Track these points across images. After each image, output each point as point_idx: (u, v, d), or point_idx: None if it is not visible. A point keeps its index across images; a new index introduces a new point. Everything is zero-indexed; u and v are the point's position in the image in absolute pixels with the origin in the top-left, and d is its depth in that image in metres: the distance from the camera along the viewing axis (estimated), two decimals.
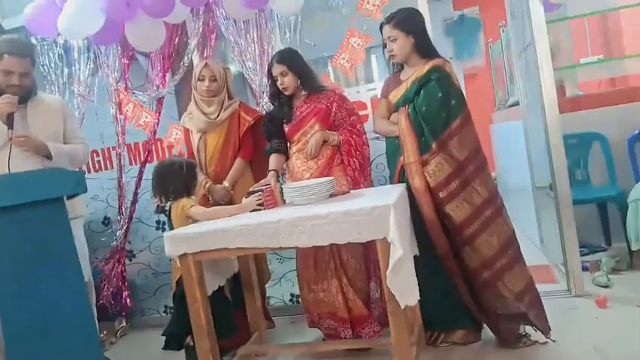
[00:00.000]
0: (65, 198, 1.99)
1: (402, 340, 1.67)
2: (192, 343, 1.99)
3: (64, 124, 2.33)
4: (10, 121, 2.04)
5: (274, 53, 2.37)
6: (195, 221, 2.02)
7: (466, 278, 2.04)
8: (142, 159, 3.04)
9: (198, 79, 2.38)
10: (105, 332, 2.90)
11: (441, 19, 5.66)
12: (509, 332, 2.04)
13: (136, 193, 3.03)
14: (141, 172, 3.02)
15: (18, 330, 1.84)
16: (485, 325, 2.12)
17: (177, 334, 2.06)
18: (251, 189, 2.06)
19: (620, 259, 2.75)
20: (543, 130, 2.57)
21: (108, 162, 3.15)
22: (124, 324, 3.06)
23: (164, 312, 3.08)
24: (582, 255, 2.68)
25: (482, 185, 2.01)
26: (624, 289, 2.48)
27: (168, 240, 1.85)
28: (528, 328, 2.07)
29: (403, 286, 1.59)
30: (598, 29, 5.29)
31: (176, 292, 2.07)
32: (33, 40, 2.90)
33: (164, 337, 2.10)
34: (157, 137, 2.97)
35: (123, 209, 3.04)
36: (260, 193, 1.99)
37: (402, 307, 1.62)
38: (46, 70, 3.00)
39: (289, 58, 2.26)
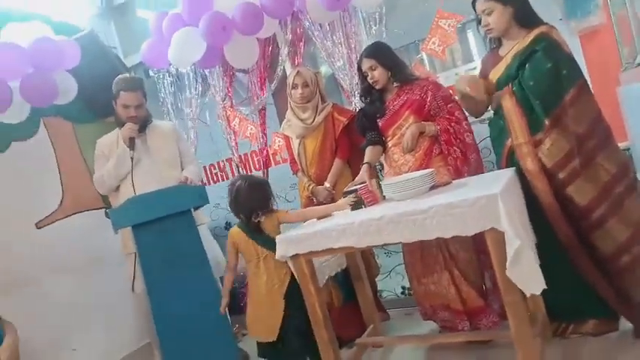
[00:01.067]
0: (192, 209, 2.29)
1: (523, 331, 1.57)
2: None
3: (179, 146, 2.65)
4: (132, 144, 2.43)
5: (363, 49, 2.36)
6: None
7: (600, 264, 1.85)
8: (253, 167, 3.29)
9: (292, 87, 2.49)
10: (237, 325, 3.14)
11: None
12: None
13: None
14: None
15: (167, 323, 2.21)
16: (622, 315, 1.89)
17: None
18: (346, 189, 2.09)
19: None
20: None
21: (223, 173, 3.47)
22: None
23: None
24: None
25: (608, 160, 1.82)
26: None
27: (280, 243, 1.97)
28: None
29: (526, 275, 1.50)
30: None
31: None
32: (150, 73, 3.31)
33: None
34: (265, 145, 3.17)
35: None
36: (355, 192, 2.01)
37: (528, 296, 1.53)
38: (162, 97, 3.38)
39: (377, 51, 2.24)
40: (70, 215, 2.98)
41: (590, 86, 1.96)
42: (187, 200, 2.29)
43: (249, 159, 3.33)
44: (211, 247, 2.65)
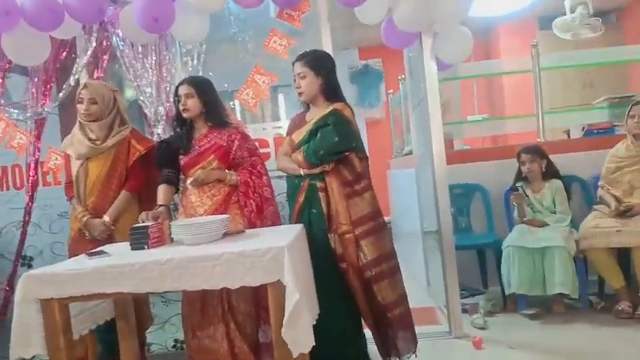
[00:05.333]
0: None
1: None
2: None
3: None
4: None
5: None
6: None
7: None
8: (12, 184, 2.69)
9: (78, 101, 2.21)
10: None
11: (347, 66, 5.96)
12: (385, 340, 2.10)
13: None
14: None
15: None
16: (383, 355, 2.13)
17: None
18: (136, 224, 1.87)
19: (495, 302, 2.96)
20: (432, 179, 2.75)
21: None
22: None
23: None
24: (463, 297, 2.85)
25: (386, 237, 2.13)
26: (498, 330, 2.67)
27: (27, 280, 1.59)
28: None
29: (298, 333, 1.53)
30: (484, 91, 6.01)
31: None
32: None
33: None
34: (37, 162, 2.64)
35: None
36: (146, 229, 1.81)
37: (295, 356, 1.55)
38: None
39: (199, 82, 2.20)
40: None
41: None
42: None
43: (10, 173, 2.71)
44: None
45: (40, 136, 2.65)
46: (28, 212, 2.67)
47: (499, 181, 3.32)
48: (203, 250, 1.64)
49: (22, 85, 2.71)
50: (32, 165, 2.65)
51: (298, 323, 1.52)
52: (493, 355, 2.38)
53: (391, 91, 5.75)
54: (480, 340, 2.46)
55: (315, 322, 1.68)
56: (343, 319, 2.06)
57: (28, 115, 2.61)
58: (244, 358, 2.07)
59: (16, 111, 2.65)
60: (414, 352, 2.13)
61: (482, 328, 2.69)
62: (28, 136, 2.59)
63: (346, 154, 2.05)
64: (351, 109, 2.15)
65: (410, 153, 4.09)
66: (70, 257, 2.12)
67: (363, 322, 2.15)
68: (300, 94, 2.15)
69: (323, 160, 2.04)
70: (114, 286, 1.57)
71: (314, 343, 1.58)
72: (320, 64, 2.12)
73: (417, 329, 2.59)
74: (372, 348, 2.17)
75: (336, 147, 2.03)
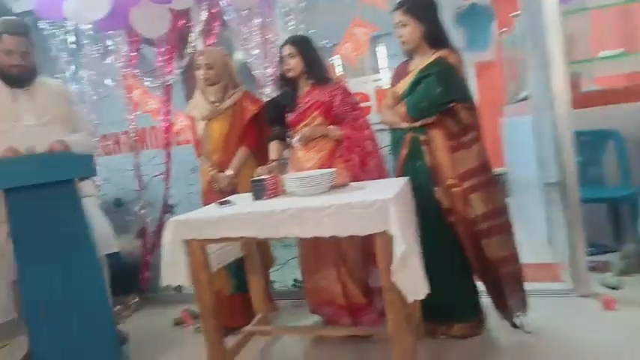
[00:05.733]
0: (77, 180, 2.07)
1: (399, 330, 1.67)
2: None
3: (69, 108, 2.38)
4: None
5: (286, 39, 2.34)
6: None
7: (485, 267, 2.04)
8: (151, 144, 3.10)
9: (196, 68, 2.39)
10: (119, 306, 3.00)
11: (453, 7, 5.53)
12: (496, 294, 2.06)
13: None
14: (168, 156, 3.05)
15: (36, 299, 1.98)
16: (500, 312, 2.10)
17: None
18: (254, 177, 2.06)
19: (630, 260, 2.67)
20: (553, 125, 2.52)
21: (117, 146, 3.20)
22: (137, 299, 3.15)
23: (174, 290, 3.13)
24: (591, 255, 2.61)
25: (498, 190, 2.06)
26: (633, 292, 2.41)
27: (171, 225, 1.87)
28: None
29: (409, 280, 1.58)
30: (620, 21, 5.15)
31: None
32: (41, 25, 2.94)
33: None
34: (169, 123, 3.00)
35: (140, 192, 3.11)
36: (263, 181, 1.99)
37: (410, 301, 1.61)
38: (54, 55, 3.04)
39: (301, 41, 2.26)
40: None
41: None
42: (70, 169, 2.05)
43: (148, 135, 3.12)
44: (100, 223, 2.41)
45: (169, 100, 2.97)
46: (167, 168, 3.06)
47: (638, 126, 2.90)
48: (313, 201, 1.75)
49: (151, 55, 3.05)
50: (166, 126, 3.01)
51: (407, 268, 1.57)
52: (627, 318, 2.16)
53: (504, 29, 5.24)
54: (612, 299, 2.25)
55: None
56: (452, 271, 2.06)
57: (158, 82, 2.93)
58: (357, 300, 2.21)
59: (149, 79, 3.00)
60: (524, 312, 2.06)
61: (615, 288, 2.45)
62: (159, 102, 2.93)
63: (451, 105, 1.97)
64: (458, 55, 2.03)
65: (526, 98, 3.76)
66: (203, 206, 2.42)
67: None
68: (402, 43, 2.08)
69: (425, 113, 1.99)
70: (239, 231, 1.76)
71: (428, 291, 1.62)
72: (421, 9, 2.02)
73: (537, 285, 2.52)
74: (485, 300, 2.15)
75: (439, 99, 1.95)
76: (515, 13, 4.13)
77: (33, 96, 2.25)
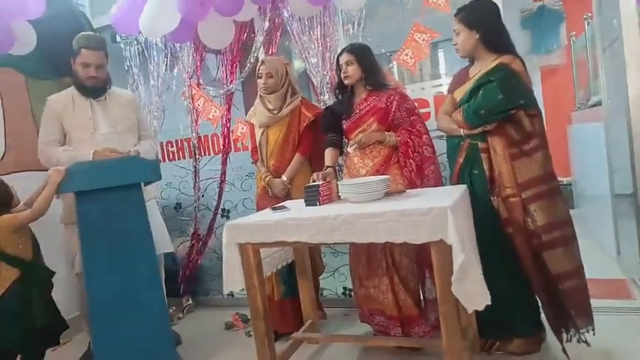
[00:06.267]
0: (143, 184, 2.21)
1: (453, 344, 1.63)
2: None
3: (138, 116, 2.55)
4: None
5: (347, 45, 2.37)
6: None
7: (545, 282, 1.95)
8: (212, 150, 3.24)
9: (257, 77, 2.47)
10: (173, 308, 3.13)
11: (518, 9, 5.33)
12: (557, 312, 1.94)
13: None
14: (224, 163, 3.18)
15: (100, 296, 2.11)
16: (555, 332, 1.99)
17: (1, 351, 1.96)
18: (309, 184, 2.10)
19: None
20: (627, 133, 2.36)
21: (180, 152, 3.37)
22: (190, 302, 3.28)
23: (228, 295, 3.23)
24: None
25: (563, 200, 1.97)
26: None
27: (229, 229, 1.94)
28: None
29: (469, 290, 1.55)
30: None
31: None
32: (117, 38, 3.18)
33: None
34: (229, 130, 3.12)
35: (197, 196, 3.26)
36: (317, 187, 2.02)
37: (470, 312, 1.58)
38: (127, 66, 3.26)
39: (359, 48, 2.28)
40: (11, 173, 2.79)
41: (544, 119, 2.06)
42: (138, 173, 2.19)
43: (209, 141, 3.27)
44: (158, 224, 2.55)
45: (230, 109, 3.09)
46: (223, 173, 3.18)
47: None
48: (367, 207, 1.75)
49: (214, 65, 3.20)
50: (225, 133, 3.13)
51: (469, 280, 1.53)
52: None
53: (574, 32, 4.96)
54: None
55: None
56: (511, 284, 1.97)
57: (221, 92, 3.07)
58: (409, 311, 2.17)
59: (212, 88, 3.15)
60: (591, 329, 1.93)
61: None
62: (221, 110, 3.06)
63: (512, 112, 1.90)
64: (521, 61, 1.96)
65: (598, 104, 3.53)
66: (257, 211, 2.49)
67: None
68: (456, 50, 2.07)
69: (484, 120, 1.93)
70: (292, 236, 1.80)
71: (489, 302, 1.57)
72: (476, 17, 1.98)
73: (604, 302, 2.39)
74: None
75: (500, 106, 1.88)
76: (587, 15, 3.90)
77: (107, 106, 2.44)
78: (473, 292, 1.55)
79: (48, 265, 2.16)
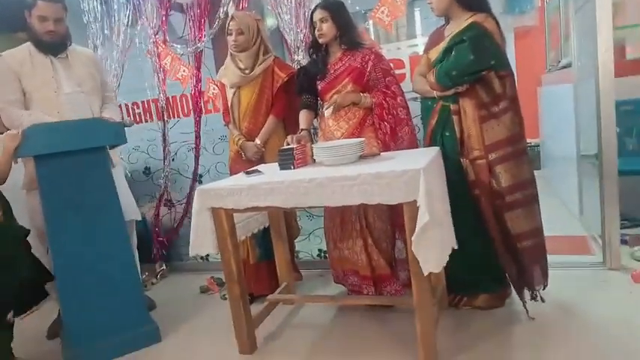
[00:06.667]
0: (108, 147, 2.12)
1: (423, 300, 1.69)
2: (12, 320, 1.99)
3: (100, 77, 2.43)
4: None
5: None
6: None
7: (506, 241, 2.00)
8: (181, 112, 3.13)
9: (227, 33, 2.36)
10: (146, 274, 3.11)
11: None
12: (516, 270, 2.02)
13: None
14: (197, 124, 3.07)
15: (66, 263, 2.07)
16: (516, 288, 2.07)
17: None
18: (282, 147, 2.07)
19: None
20: (595, 95, 2.40)
21: (148, 114, 3.25)
22: (163, 267, 3.26)
23: (201, 258, 3.23)
24: (623, 228, 2.57)
25: (528, 164, 2.00)
26: None
27: (200, 194, 1.91)
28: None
29: (428, 252, 1.58)
30: None
31: None
32: None
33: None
34: (200, 91, 3.01)
35: (167, 160, 3.17)
36: (292, 150, 2.00)
37: (425, 274, 1.62)
38: (86, 21, 3.06)
39: (333, 5, 2.19)
40: None
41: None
42: (103, 136, 2.10)
43: (178, 103, 3.15)
44: (125, 191, 2.48)
45: (199, 67, 2.96)
46: (197, 136, 3.08)
47: None
48: (342, 170, 1.74)
49: (180, 22, 3.04)
50: (195, 94, 3.02)
51: (428, 243, 1.56)
52: None
53: None
54: None
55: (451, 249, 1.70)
56: (477, 243, 2.03)
57: (189, 49, 2.93)
58: (381, 271, 2.22)
59: (179, 46, 3.00)
60: (544, 286, 2.03)
61: None
62: (190, 69, 2.93)
63: (483, 73, 1.89)
64: (494, 20, 1.93)
65: (568, 66, 3.58)
66: (230, 175, 2.45)
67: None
68: (431, 9, 2.02)
69: (456, 81, 1.92)
70: (266, 201, 1.79)
71: (444, 264, 1.61)
72: None
73: (566, 258, 2.51)
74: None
75: (471, 67, 1.87)
76: None
77: (70, 64, 2.29)
78: (430, 253, 1.57)
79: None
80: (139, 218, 2.64)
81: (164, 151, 3.18)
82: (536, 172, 2.08)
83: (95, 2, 3.01)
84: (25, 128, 1.99)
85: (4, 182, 2.03)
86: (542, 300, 2.02)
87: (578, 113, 3.20)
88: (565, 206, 3.60)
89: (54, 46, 2.24)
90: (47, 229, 2.04)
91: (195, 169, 3.13)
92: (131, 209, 2.50)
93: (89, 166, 2.08)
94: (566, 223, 3.23)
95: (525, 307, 2.01)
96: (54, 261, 2.05)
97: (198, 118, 3.05)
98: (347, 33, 2.19)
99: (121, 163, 2.63)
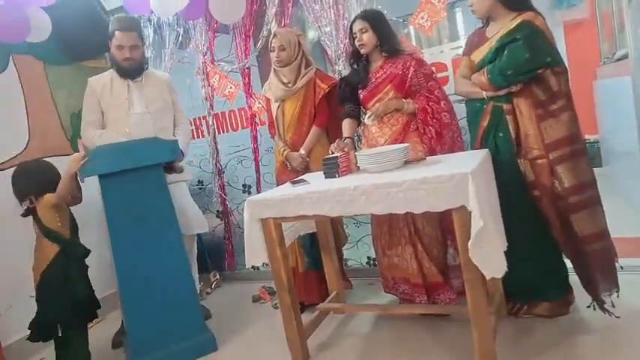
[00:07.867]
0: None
1: (479, 309, 1.63)
2: (60, 334, 2.05)
3: (172, 98, 2.62)
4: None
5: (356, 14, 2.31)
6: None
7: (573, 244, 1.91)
8: (230, 127, 3.25)
9: (270, 50, 2.44)
10: (202, 284, 3.22)
11: None
12: (585, 273, 1.91)
13: None
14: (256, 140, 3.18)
15: (129, 275, 2.19)
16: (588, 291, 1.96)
17: (45, 324, 2.06)
18: (327, 156, 2.09)
19: None
20: None
21: (199, 130, 3.40)
22: (217, 277, 3.37)
23: (252, 268, 3.30)
24: None
25: (587, 163, 1.91)
26: None
27: (250, 204, 1.97)
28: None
29: (486, 257, 1.53)
30: None
31: (40, 283, 2.07)
32: None
33: (30, 329, 2.08)
34: (247, 107, 3.13)
35: (218, 173, 3.31)
36: (336, 159, 2.01)
37: (488, 279, 1.57)
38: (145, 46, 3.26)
39: (371, 15, 2.22)
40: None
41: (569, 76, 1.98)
42: (158, 154, 2.23)
43: (226, 118, 3.27)
44: (192, 204, 2.66)
45: (250, 84, 3.07)
46: (255, 150, 3.18)
47: None
48: (387, 177, 1.74)
49: (227, 43, 3.17)
50: (246, 110, 3.13)
51: (486, 247, 1.52)
52: None
53: None
54: None
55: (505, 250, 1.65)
56: (538, 248, 1.95)
57: (235, 67, 3.04)
58: (434, 279, 2.17)
59: (226, 65, 3.13)
60: (616, 291, 1.90)
61: None
62: (237, 86, 3.05)
63: (539, 71, 1.83)
64: (543, 18, 1.88)
65: (624, 57, 3.37)
66: (277, 185, 2.51)
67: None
68: (472, 11, 1.99)
69: (511, 80, 1.87)
70: (313, 209, 1.81)
71: (505, 268, 1.55)
72: None
73: (634, 261, 2.33)
74: (574, 278, 2.01)
75: (527, 65, 1.82)
76: None
77: (143, 87, 2.50)
78: (490, 258, 1.53)
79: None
80: (207, 230, 2.76)
81: (215, 164, 3.30)
82: (597, 170, 1.98)
83: (149, 30, 3.20)
84: (89, 150, 2.15)
85: (80, 201, 2.21)
86: (613, 306, 1.90)
87: (638, 106, 3.01)
88: (630, 204, 3.38)
89: (132, 71, 2.47)
90: (111, 242, 2.18)
91: (258, 180, 3.22)
92: (198, 221, 2.65)
93: (148, 182, 2.21)
94: (630, 222, 3.02)
95: (604, 308, 1.89)
96: (117, 272, 2.18)
97: (255, 132, 3.15)
98: (387, 41, 2.20)
99: (188, 179, 2.80)
